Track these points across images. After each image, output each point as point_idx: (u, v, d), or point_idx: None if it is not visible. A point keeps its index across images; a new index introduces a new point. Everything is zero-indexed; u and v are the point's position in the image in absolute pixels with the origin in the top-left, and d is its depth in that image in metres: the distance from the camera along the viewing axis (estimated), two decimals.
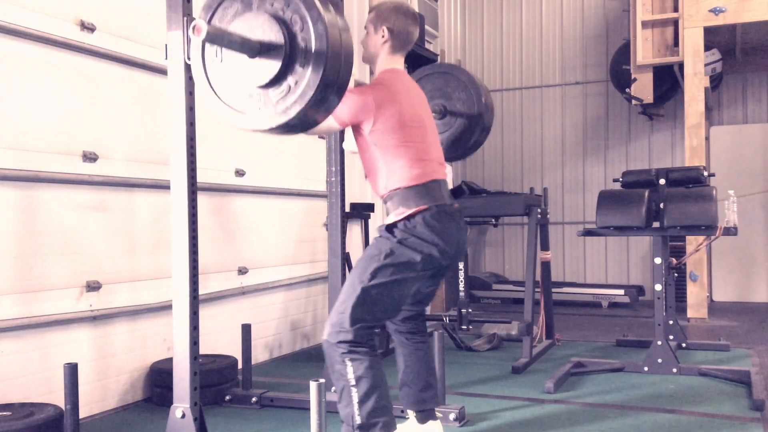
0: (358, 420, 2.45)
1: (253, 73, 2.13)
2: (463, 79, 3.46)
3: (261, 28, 2.09)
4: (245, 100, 2.18)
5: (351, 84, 2.86)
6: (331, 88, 2.10)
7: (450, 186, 7.35)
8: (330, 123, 2.54)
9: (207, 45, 2.25)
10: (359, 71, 6.26)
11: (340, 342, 2.48)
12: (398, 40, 2.77)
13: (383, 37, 2.76)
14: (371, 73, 2.87)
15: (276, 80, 2.10)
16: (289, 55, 2.06)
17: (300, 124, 2.16)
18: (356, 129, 2.63)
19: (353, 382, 2.45)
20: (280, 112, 2.11)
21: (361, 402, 2.45)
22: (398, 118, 2.59)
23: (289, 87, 2.08)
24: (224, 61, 2.21)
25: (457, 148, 3.51)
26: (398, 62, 2.81)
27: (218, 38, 2.05)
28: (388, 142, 2.59)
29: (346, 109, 2.53)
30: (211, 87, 2.24)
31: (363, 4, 6.36)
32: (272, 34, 2.07)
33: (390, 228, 2.60)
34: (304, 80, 2.05)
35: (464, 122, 3.44)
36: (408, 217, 2.58)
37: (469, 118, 3.43)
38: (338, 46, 2.06)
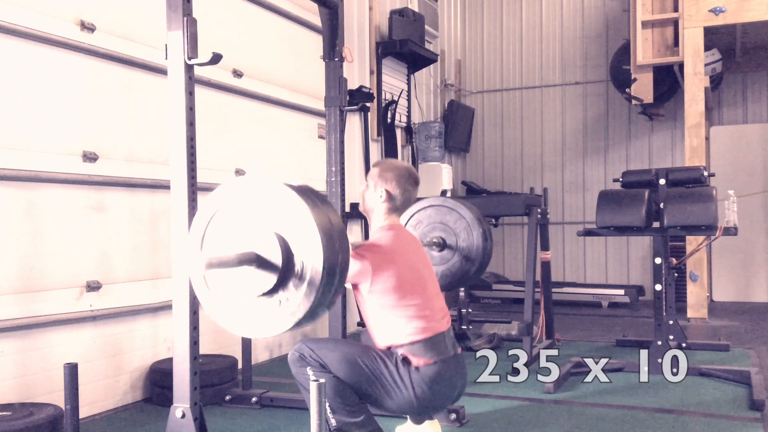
0: (333, 422, 2.52)
1: (249, 282, 2.11)
2: (467, 217, 3.49)
3: (263, 243, 2.07)
4: (242, 308, 2.15)
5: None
6: (323, 305, 2.09)
7: (449, 185, 7.36)
8: None
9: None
10: (359, 71, 6.26)
11: (301, 356, 2.60)
12: (396, 203, 2.83)
13: (381, 197, 2.81)
14: (370, 223, 2.92)
15: (268, 293, 2.08)
16: (283, 274, 2.05)
17: (294, 328, 2.16)
18: (354, 286, 2.67)
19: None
20: (273, 323, 2.10)
21: (333, 406, 2.52)
22: (396, 279, 2.62)
23: (280, 302, 2.08)
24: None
25: (451, 284, 3.57)
26: (395, 219, 2.86)
27: (218, 266, 2.06)
28: (386, 303, 2.62)
29: None
30: (210, 293, 2.21)
31: (363, 4, 6.36)
32: (271, 253, 2.05)
33: (403, 362, 2.61)
34: (296, 300, 2.04)
35: (461, 261, 3.48)
36: (413, 365, 2.60)
37: (467, 259, 3.47)
38: (334, 275, 2.05)
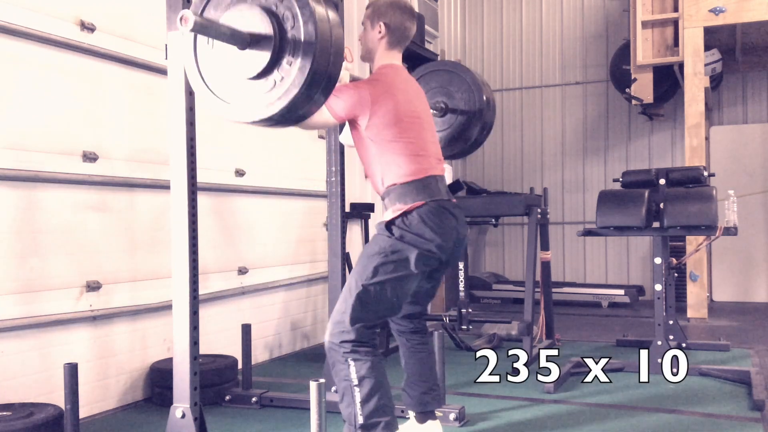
0: (360, 420, 2.46)
1: (241, 65, 2.12)
2: (466, 77, 3.46)
3: (252, 20, 2.08)
4: (233, 91, 2.17)
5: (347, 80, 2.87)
6: (317, 87, 2.09)
7: (449, 181, 7.34)
8: (326, 117, 2.54)
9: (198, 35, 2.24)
10: (359, 70, 6.26)
11: (342, 342, 2.49)
12: (395, 36, 2.77)
13: (380, 32, 2.76)
14: (371, 72, 2.87)
15: (263, 74, 2.09)
16: (277, 49, 2.05)
17: (284, 119, 2.16)
18: (352, 124, 2.63)
19: (356, 382, 2.45)
20: (264, 106, 2.11)
21: (364, 402, 2.45)
22: (394, 113, 2.58)
23: (275, 82, 2.08)
24: (215, 50, 2.20)
25: (457, 146, 3.50)
26: (396, 57, 2.81)
27: (206, 29, 2.04)
28: (384, 137, 2.59)
29: (341, 103, 2.53)
30: (201, 75, 2.24)
31: (363, 3, 6.36)
32: (263, 27, 2.06)
33: (388, 225, 2.59)
34: (290, 77, 2.04)
35: (465, 120, 3.43)
36: (405, 214, 2.58)
37: (470, 116, 3.42)
38: (328, 44, 2.05)
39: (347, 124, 2.69)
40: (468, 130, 3.43)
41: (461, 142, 3.46)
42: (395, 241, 2.55)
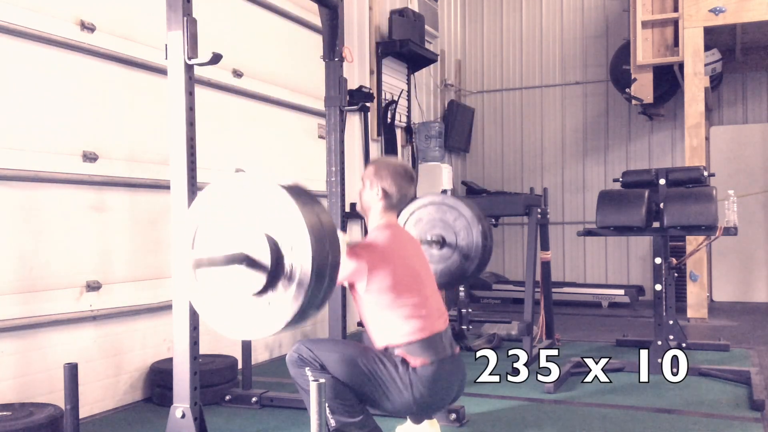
0: (332, 423, 2.51)
1: (239, 282, 2.10)
2: (467, 216, 3.48)
3: (253, 243, 2.06)
4: (233, 307, 2.15)
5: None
6: (311, 307, 2.09)
7: (449, 185, 7.35)
8: None
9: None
10: (358, 71, 6.26)
11: (300, 357, 2.59)
12: (393, 201, 2.82)
13: (378, 195, 2.80)
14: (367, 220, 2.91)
15: (259, 293, 2.08)
16: (272, 275, 2.04)
17: (288, 329, 2.14)
18: (351, 286, 2.66)
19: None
20: (264, 323, 2.09)
21: (332, 407, 2.52)
22: (392, 278, 2.61)
23: (269, 303, 2.07)
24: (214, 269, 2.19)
25: (452, 280, 3.56)
26: (392, 217, 2.85)
27: (207, 264, 2.08)
28: (382, 303, 2.62)
29: (340, 271, 2.56)
30: (199, 290, 2.21)
31: (363, 4, 6.36)
32: (261, 253, 2.05)
33: (402, 362, 2.60)
34: (284, 303, 2.03)
35: (460, 260, 3.47)
36: (411, 366, 2.59)
37: (466, 257, 3.46)
38: (323, 276, 2.04)
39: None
40: (464, 267, 3.48)
41: (456, 277, 3.53)
42: (396, 377, 2.58)
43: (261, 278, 2.04)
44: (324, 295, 2.10)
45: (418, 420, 2.91)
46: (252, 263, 2.05)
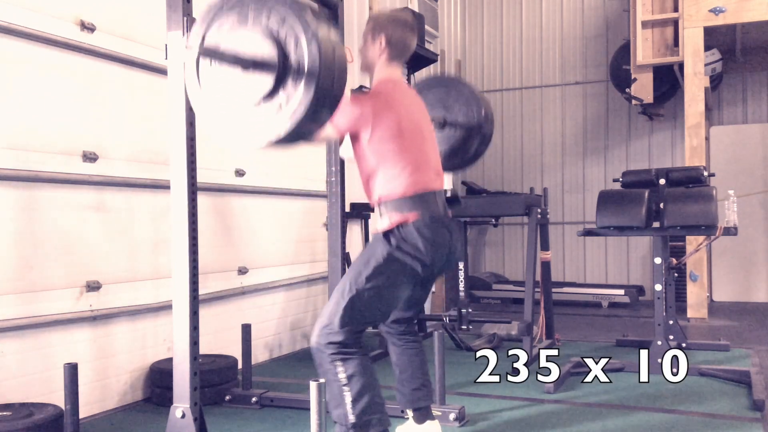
0: (351, 419, 2.46)
1: (245, 88, 2.12)
2: (465, 91, 3.46)
3: (255, 44, 2.08)
4: (237, 114, 2.17)
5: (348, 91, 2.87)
6: (322, 107, 2.09)
7: (449, 185, 7.36)
8: (328, 132, 2.55)
9: (202, 58, 2.24)
10: (359, 79, 6.26)
11: (329, 344, 2.50)
12: (396, 50, 2.77)
13: (380, 46, 2.76)
14: (371, 81, 2.87)
15: (267, 96, 2.09)
16: (281, 72, 2.05)
17: (291, 139, 2.15)
18: (354, 137, 2.63)
19: (344, 382, 2.46)
20: (271, 128, 2.10)
21: (354, 401, 2.46)
22: (396, 126, 2.59)
23: (280, 105, 2.07)
24: (218, 72, 2.20)
25: (456, 160, 3.51)
26: (396, 71, 2.81)
27: (211, 54, 2.07)
28: (385, 150, 2.59)
29: (344, 118, 2.54)
30: (206, 102, 2.23)
31: (363, 4, 6.36)
32: (265, 51, 2.06)
33: (386, 234, 2.60)
34: (295, 99, 2.04)
35: (464, 133, 3.43)
36: (401, 225, 2.58)
37: (469, 129, 3.42)
38: (331, 65, 2.05)
39: (347, 137, 2.70)
40: (467, 144, 3.43)
41: (460, 155, 3.47)
42: (392, 249, 2.57)
43: (270, 79, 2.04)
44: (335, 91, 2.08)
45: (420, 420, 2.91)
46: (259, 65, 2.05)
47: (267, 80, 2.07)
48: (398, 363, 2.96)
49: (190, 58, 2.22)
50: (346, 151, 2.82)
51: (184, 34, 2.54)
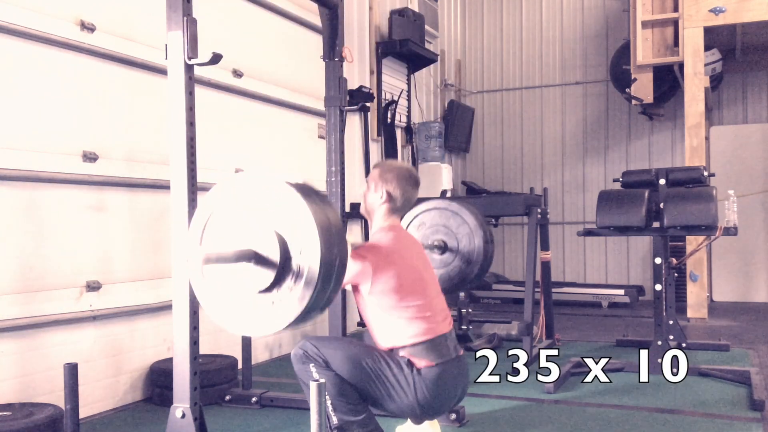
0: (334, 421, 2.51)
1: (246, 280, 2.11)
2: (470, 222, 3.49)
3: (262, 240, 2.07)
4: (239, 305, 2.15)
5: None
6: (316, 309, 2.09)
7: (449, 185, 7.36)
8: None
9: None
10: (358, 69, 6.26)
11: (305, 353, 2.58)
12: (397, 204, 2.82)
13: (382, 197, 2.80)
14: (370, 224, 2.90)
15: (265, 291, 2.08)
16: (280, 273, 2.05)
17: (288, 328, 2.15)
18: (355, 288, 2.66)
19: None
20: (265, 323, 2.10)
21: (334, 405, 2.51)
22: (396, 280, 2.61)
23: (273, 302, 2.07)
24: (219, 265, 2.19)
25: (451, 287, 3.56)
26: (395, 220, 2.85)
27: (215, 261, 2.08)
28: (387, 304, 2.62)
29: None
30: (208, 289, 2.21)
31: (363, 4, 6.36)
32: (269, 250, 2.05)
33: (407, 364, 2.60)
34: (289, 302, 2.04)
35: (461, 265, 3.47)
36: (415, 368, 2.59)
37: (468, 263, 3.46)
38: (330, 277, 2.05)
39: None
40: (465, 272, 3.47)
41: (457, 282, 3.52)
42: (396, 371, 2.58)
43: (269, 276, 2.04)
44: (329, 297, 2.10)
45: (418, 421, 2.91)
46: (260, 260, 2.05)
47: (267, 276, 2.05)
48: None
49: (195, 264, 2.21)
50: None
51: (184, 34, 2.54)
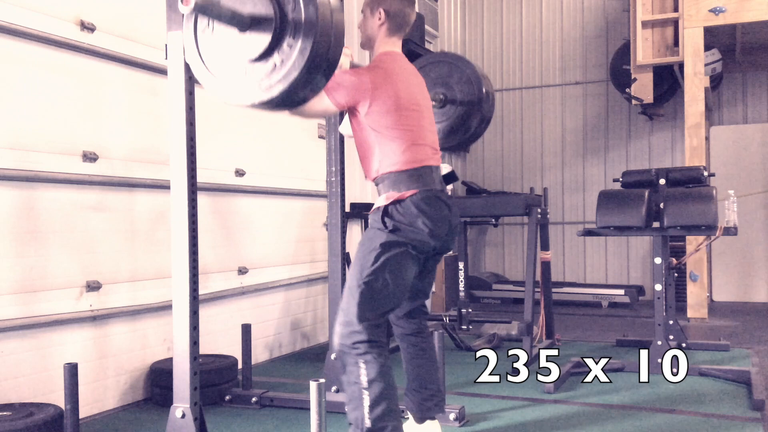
0: (367, 423, 2.45)
1: (242, 47, 2.11)
2: (467, 70, 3.45)
3: (253, 1, 2.07)
4: (233, 74, 2.16)
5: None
6: (318, 70, 2.08)
7: (449, 185, 7.34)
8: (326, 105, 2.54)
9: (199, 16, 2.24)
10: (358, 59, 6.26)
11: (355, 343, 2.49)
12: (395, 22, 2.77)
13: (380, 19, 2.76)
14: (371, 59, 2.87)
15: (263, 56, 2.08)
16: (278, 32, 2.05)
17: (284, 102, 2.14)
18: (352, 111, 2.63)
19: (365, 386, 2.45)
20: (264, 89, 2.10)
21: (372, 406, 2.45)
22: (394, 99, 2.59)
23: (275, 65, 2.07)
24: (215, 32, 2.19)
25: (456, 137, 3.50)
26: (396, 45, 2.81)
27: (207, 10, 2.03)
28: (383, 124, 2.59)
29: (342, 90, 2.53)
30: (201, 58, 2.23)
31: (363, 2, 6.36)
32: (263, 9, 2.05)
33: (382, 217, 2.59)
34: (290, 60, 2.04)
35: (463, 112, 3.43)
36: (398, 201, 2.59)
37: (469, 107, 3.41)
38: (329, 27, 2.04)
39: (347, 114, 2.69)
40: (467, 122, 3.42)
41: (460, 133, 3.46)
42: (389, 233, 2.57)
43: (265, 37, 2.03)
44: (331, 49, 2.07)
45: (420, 419, 2.91)
46: (256, 21, 2.05)
47: (263, 39, 2.05)
48: (409, 369, 2.94)
49: (186, 15, 2.20)
50: (345, 127, 2.81)
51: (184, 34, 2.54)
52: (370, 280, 2.52)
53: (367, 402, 2.44)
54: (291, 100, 2.15)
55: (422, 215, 2.58)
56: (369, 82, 2.56)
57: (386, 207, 2.59)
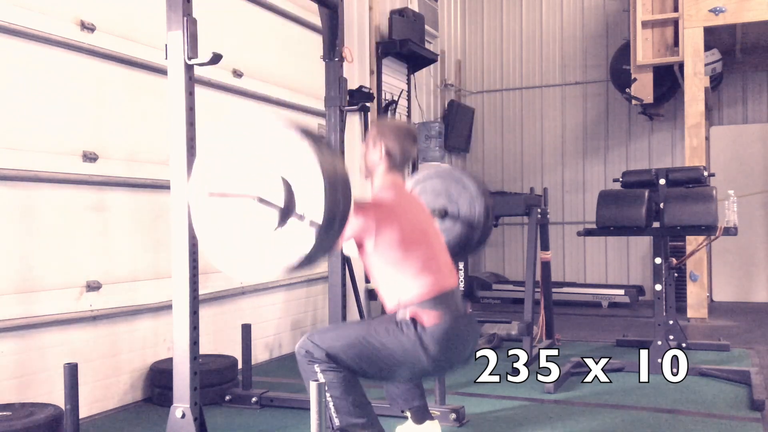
0: (336, 422, 2.49)
1: (247, 221, 2.11)
2: (471, 188, 3.48)
3: (266, 183, 2.08)
4: (239, 249, 2.16)
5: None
6: (321, 252, 2.10)
7: None
8: None
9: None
10: (358, 70, 6.26)
11: (308, 352, 2.56)
12: (396, 160, 2.81)
13: (381, 155, 2.80)
14: (372, 185, 2.90)
15: (269, 232, 2.10)
16: (283, 216, 2.06)
17: (292, 271, 2.15)
18: (359, 245, 2.65)
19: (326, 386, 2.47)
20: (271, 265, 2.11)
21: (337, 406, 2.50)
22: (399, 234, 2.60)
23: (275, 244, 2.08)
24: (222, 205, 2.20)
25: (452, 254, 3.54)
26: (397, 177, 2.84)
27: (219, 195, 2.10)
28: (391, 258, 2.60)
29: (347, 228, 2.54)
30: (211, 237, 2.22)
31: (363, 4, 6.36)
32: (274, 195, 2.07)
33: (411, 323, 2.57)
34: (293, 244, 2.05)
35: (463, 228, 3.46)
36: (420, 323, 2.56)
37: (470, 225, 3.44)
38: (333, 221, 2.06)
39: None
40: (466, 238, 3.46)
41: (458, 250, 3.50)
42: (408, 342, 2.55)
43: (272, 218, 2.05)
44: (333, 239, 2.10)
45: (419, 420, 2.91)
46: (264, 202, 2.06)
47: (270, 218, 2.06)
48: None
49: (196, 197, 2.21)
50: (349, 250, 2.80)
51: (184, 34, 2.54)
52: (368, 344, 2.54)
53: (331, 402, 2.50)
54: (300, 269, 2.16)
55: (446, 345, 2.56)
56: (373, 221, 2.58)
57: (409, 319, 2.58)
